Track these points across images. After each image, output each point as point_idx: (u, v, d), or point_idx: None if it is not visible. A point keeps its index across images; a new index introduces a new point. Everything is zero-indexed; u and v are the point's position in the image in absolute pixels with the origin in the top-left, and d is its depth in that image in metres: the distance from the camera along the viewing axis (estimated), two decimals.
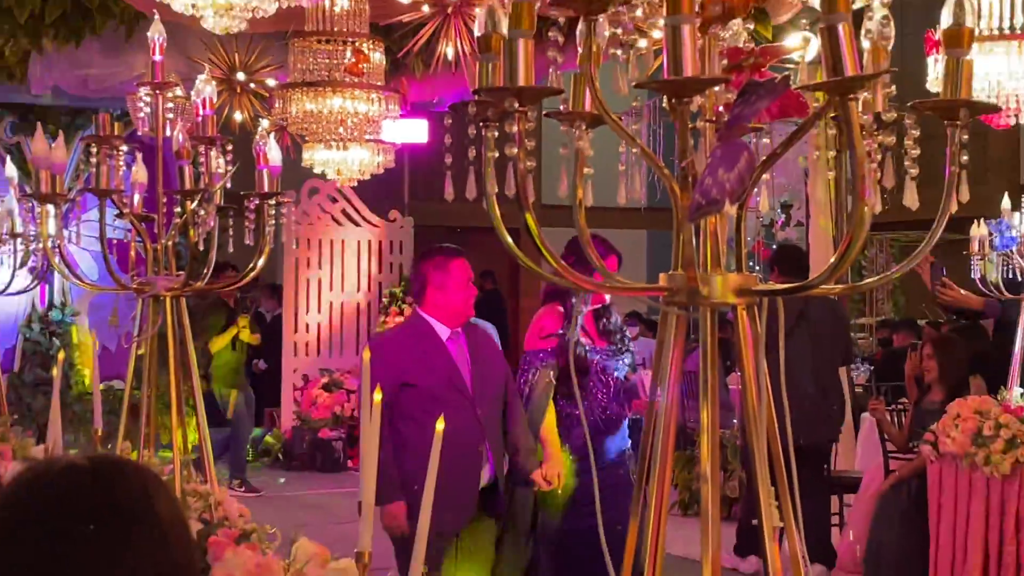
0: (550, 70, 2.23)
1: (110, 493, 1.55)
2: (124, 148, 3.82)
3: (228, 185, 3.78)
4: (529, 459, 5.38)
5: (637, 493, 2.23)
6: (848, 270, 2.02)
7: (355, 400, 12.56)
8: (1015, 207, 6.66)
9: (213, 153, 3.70)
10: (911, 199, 2.00)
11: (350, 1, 7.30)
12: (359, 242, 13.93)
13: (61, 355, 4.05)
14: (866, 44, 2.03)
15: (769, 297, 2.19)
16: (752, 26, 2.42)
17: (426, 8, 6.90)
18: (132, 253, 4.23)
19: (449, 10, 6.89)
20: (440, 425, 2.08)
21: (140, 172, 3.94)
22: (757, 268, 13.31)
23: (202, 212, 3.73)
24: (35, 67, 9.93)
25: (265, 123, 4.01)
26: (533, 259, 2.14)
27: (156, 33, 3.78)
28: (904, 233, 15.42)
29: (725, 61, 2.18)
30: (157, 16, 3.85)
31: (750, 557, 7.82)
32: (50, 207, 3.94)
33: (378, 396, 2.04)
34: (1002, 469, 6.03)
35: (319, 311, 13.76)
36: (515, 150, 2.00)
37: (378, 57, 7.55)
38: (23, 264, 6.86)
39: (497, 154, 2.01)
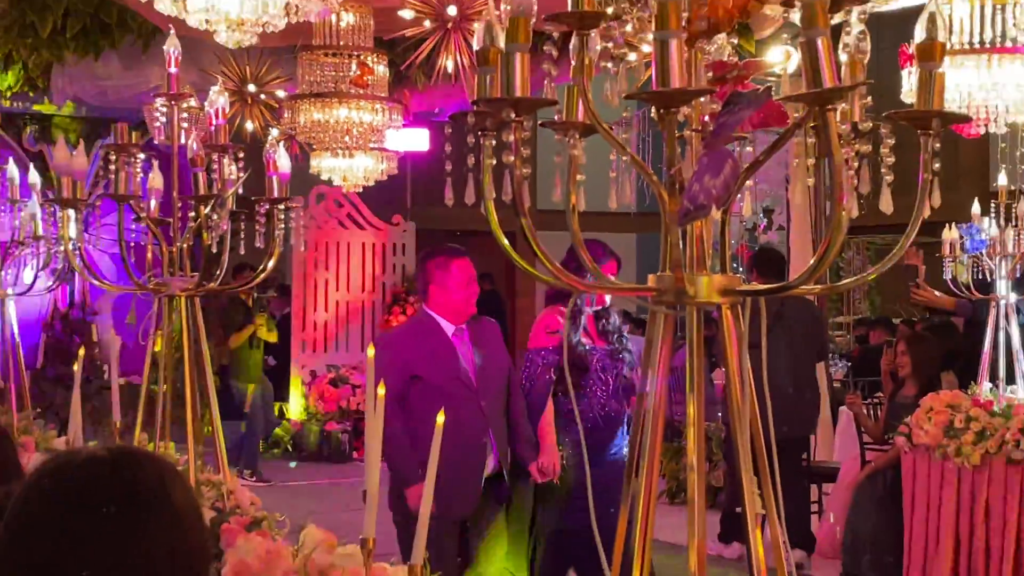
0: (545, 82, 2.23)
1: (128, 482, 1.56)
2: (141, 156, 3.82)
3: (240, 191, 3.78)
4: (529, 450, 5.37)
5: (626, 484, 2.23)
6: (827, 271, 2.02)
7: (360, 394, 12.56)
8: (984, 212, 6.66)
9: (226, 161, 3.70)
10: (886, 204, 2.00)
11: (356, 16, 7.32)
12: (364, 245, 13.94)
13: (82, 352, 4.05)
14: (844, 58, 2.04)
15: (751, 297, 2.19)
16: (736, 40, 2.42)
17: (428, 23, 6.90)
18: (149, 255, 4.22)
19: (449, 25, 6.89)
20: (440, 418, 2.08)
21: (156, 179, 3.93)
22: (741, 270, 13.30)
23: (215, 216, 3.72)
24: (57, 79, 9.92)
25: (275, 132, 4.02)
26: (528, 261, 2.13)
27: (172, 47, 3.77)
28: (880, 236, 15.44)
29: (710, 74, 2.18)
30: (173, 31, 3.84)
31: (734, 543, 7.82)
32: (71, 212, 3.94)
33: (381, 390, 2.04)
34: (972, 460, 6.04)
35: (326, 310, 13.76)
36: (512, 158, 2.00)
37: (382, 70, 7.57)
38: (46, 265, 6.86)
39: (495, 161, 2.01)
